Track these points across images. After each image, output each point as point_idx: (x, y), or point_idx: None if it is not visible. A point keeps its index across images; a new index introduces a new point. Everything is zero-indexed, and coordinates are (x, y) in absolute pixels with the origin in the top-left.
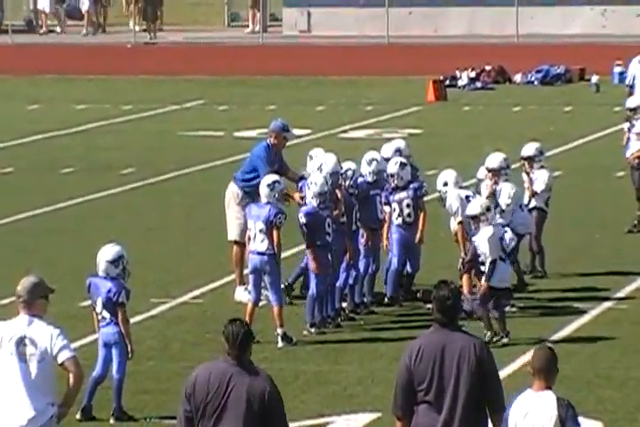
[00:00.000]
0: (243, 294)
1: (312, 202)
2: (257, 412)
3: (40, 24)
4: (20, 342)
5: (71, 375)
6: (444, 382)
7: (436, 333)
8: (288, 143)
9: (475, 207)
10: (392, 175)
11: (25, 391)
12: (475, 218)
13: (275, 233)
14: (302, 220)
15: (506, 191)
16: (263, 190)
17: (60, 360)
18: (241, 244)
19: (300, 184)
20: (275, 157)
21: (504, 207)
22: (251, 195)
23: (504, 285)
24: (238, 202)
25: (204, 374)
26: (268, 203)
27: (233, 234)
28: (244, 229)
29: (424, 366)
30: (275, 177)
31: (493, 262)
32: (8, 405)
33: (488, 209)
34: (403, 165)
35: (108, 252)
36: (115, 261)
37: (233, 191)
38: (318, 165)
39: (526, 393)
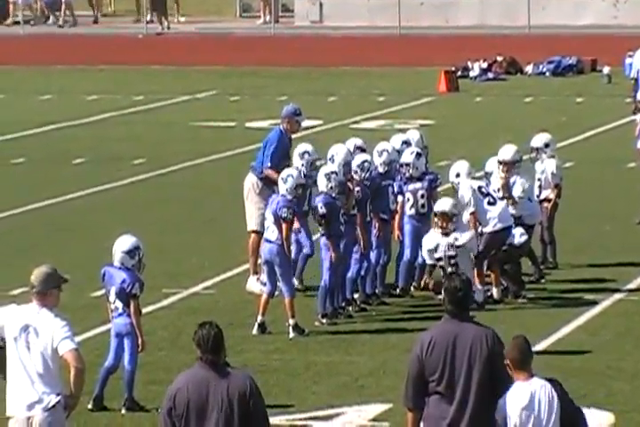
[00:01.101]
0: (255, 285)
1: (329, 192)
2: (239, 413)
3: (8, 14)
4: (25, 330)
5: (72, 368)
6: (456, 372)
7: (447, 324)
8: (299, 134)
9: (445, 204)
10: (407, 165)
11: (27, 378)
12: (444, 215)
13: (283, 225)
14: (322, 210)
15: (519, 184)
16: (279, 183)
17: (60, 352)
18: (260, 233)
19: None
20: (288, 143)
21: (517, 200)
22: (269, 185)
23: None
24: (258, 192)
25: (183, 386)
26: (282, 195)
27: (253, 224)
28: (264, 219)
29: (435, 357)
30: (290, 171)
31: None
32: (12, 390)
33: (458, 210)
34: (418, 156)
35: (124, 242)
36: (130, 252)
37: (252, 182)
38: (330, 156)
39: (517, 385)
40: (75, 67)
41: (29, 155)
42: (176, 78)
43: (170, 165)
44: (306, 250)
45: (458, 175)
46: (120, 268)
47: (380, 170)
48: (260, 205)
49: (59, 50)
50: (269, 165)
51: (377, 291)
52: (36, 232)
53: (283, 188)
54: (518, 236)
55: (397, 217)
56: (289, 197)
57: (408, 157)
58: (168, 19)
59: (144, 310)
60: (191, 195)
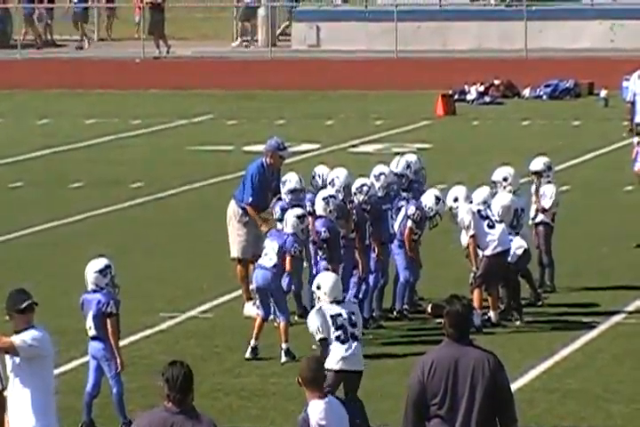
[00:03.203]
0: (252, 309)
1: (329, 216)
2: None
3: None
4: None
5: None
6: (458, 396)
7: (448, 347)
8: (294, 158)
9: (313, 284)
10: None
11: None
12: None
13: (287, 259)
14: (325, 234)
15: (496, 204)
16: (290, 220)
17: None
18: (243, 261)
19: (273, 205)
20: (271, 177)
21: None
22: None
23: (351, 368)
24: (239, 219)
25: None
26: (290, 234)
27: (235, 251)
28: (246, 245)
29: (437, 381)
30: (303, 211)
31: (323, 341)
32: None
33: (318, 287)
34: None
35: (94, 263)
36: (102, 271)
37: (234, 209)
38: (330, 180)
39: (314, 403)
40: (73, 91)
41: (27, 178)
42: (173, 102)
43: (168, 188)
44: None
45: (456, 200)
46: (95, 290)
47: (380, 194)
48: (239, 232)
49: (57, 74)
50: (250, 200)
51: (374, 314)
52: (33, 256)
53: (298, 227)
54: (516, 248)
55: (408, 239)
56: (303, 236)
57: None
58: (167, 42)
59: (142, 334)
60: (189, 218)
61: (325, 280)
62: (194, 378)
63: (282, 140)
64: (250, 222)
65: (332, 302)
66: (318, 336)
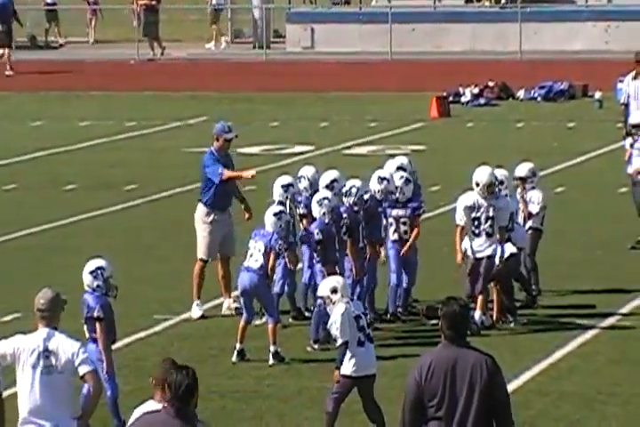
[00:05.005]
0: (196, 311)
1: (324, 219)
2: None
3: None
4: (43, 355)
5: (90, 388)
6: (456, 397)
7: (445, 349)
8: (288, 160)
9: (324, 289)
10: (395, 188)
11: (49, 404)
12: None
13: (271, 257)
14: (318, 236)
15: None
16: (269, 219)
17: (81, 373)
18: (204, 261)
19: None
20: (223, 159)
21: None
22: (216, 206)
23: (364, 372)
24: (203, 220)
25: None
26: (273, 232)
27: (200, 252)
28: (211, 246)
29: (435, 382)
30: (280, 207)
31: (345, 344)
32: (34, 418)
33: (334, 291)
34: (407, 181)
35: (89, 264)
36: (93, 272)
37: (201, 210)
38: (328, 182)
39: (150, 404)
40: (66, 93)
41: (21, 181)
42: (168, 104)
43: (162, 190)
44: (275, 289)
45: (502, 183)
46: (89, 292)
47: (378, 197)
48: (204, 233)
49: (50, 76)
50: (220, 170)
51: (368, 316)
52: (27, 258)
53: (276, 224)
54: (509, 248)
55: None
56: (283, 233)
57: (397, 181)
58: (162, 44)
59: (136, 336)
60: (183, 221)
61: (338, 282)
62: (196, 388)
63: (227, 124)
64: (215, 222)
65: (347, 303)
66: (341, 340)
